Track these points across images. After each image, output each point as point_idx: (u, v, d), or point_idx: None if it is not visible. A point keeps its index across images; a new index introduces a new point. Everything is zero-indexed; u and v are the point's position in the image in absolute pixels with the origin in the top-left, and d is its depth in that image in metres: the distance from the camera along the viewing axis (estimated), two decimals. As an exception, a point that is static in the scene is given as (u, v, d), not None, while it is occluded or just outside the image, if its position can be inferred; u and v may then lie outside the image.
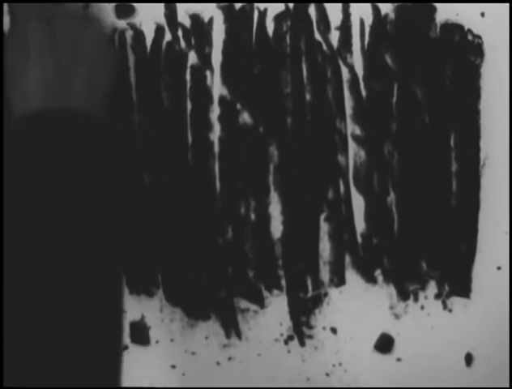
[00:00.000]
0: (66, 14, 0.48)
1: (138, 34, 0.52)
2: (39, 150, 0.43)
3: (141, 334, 0.54)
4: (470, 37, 0.53)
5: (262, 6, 0.52)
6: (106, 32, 0.51)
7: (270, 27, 0.52)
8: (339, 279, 0.54)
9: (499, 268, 0.54)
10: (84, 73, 0.45)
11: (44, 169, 0.42)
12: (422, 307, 0.55)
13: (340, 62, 0.53)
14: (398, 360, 0.55)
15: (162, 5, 0.52)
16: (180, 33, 0.52)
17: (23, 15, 0.47)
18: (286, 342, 0.55)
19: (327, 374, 0.55)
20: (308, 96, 0.53)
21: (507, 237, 0.54)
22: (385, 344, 0.54)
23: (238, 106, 0.52)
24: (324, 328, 0.55)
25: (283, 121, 0.53)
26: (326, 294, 0.54)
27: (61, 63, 0.45)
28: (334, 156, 0.53)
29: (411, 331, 0.55)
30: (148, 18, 0.52)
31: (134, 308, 0.54)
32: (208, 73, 0.52)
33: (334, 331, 0.54)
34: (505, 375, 0.54)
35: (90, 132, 0.44)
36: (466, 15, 0.52)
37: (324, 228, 0.54)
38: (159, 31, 0.52)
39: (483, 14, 0.52)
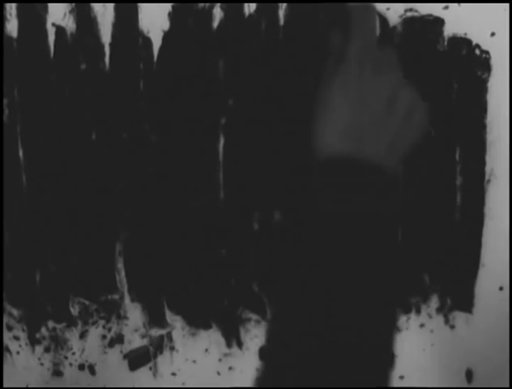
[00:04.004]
0: (391, 63, 0.47)
1: (146, 41, 0.52)
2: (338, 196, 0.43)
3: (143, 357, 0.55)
4: (477, 51, 0.52)
5: (270, 12, 0.52)
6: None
7: (278, 37, 0.52)
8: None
9: (501, 289, 0.54)
10: (394, 126, 0.45)
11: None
12: (423, 324, 0.54)
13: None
14: (401, 377, 0.55)
15: (169, 11, 0.52)
16: (187, 40, 0.52)
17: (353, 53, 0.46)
18: (287, 353, 0.55)
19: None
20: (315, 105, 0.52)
21: (508, 253, 0.54)
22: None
23: (243, 114, 0.52)
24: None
25: (289, 132, 0.52)
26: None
27: (374, 108, 0.45)
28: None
29: (412, 345, 0.54)
30: (155, 25, 0.52)
31: (135, 316, 0.54)
32: (215, 81, 0.52)
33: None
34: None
35: (382, 188, 0.44)
36: (474, 31, 0.52)
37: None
38: (166, 38, 0.52)
39: (493, 34, 0.52)
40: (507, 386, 0.54)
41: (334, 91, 0.45)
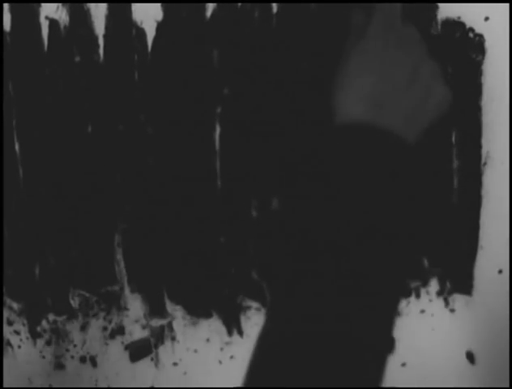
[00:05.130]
0: (415, 39, 0.47)
1: (140, 32, 0.52)
2: (349, 162, 0.43)
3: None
4: (471, 34, 0.52)
5: (262, 5, 0.52)
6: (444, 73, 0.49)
7: (271, 25, 0.52)
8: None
9: (500, 272, 0.54)
10: (414, 99, 0.45)
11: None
12: (423, 311, 0.55)
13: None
14: (403, 365, 0.55)
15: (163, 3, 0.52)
16: (180, 30, 0.52)
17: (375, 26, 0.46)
18: (288, 340, 0.55)
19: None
20: (310, 93, 0.53)
21: (507, 234, 0.54)
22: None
23: (239, 103, 0.52)
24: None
25: (284, 120, 0.52)
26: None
27: (395, 80, 0.45)
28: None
29: (412, 329, 0.55)
30: (149, 16, 0.52)
31: (135, 307, 0.54)
32: (210, 70, 0.52)
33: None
34: (505, 375, 0.54)
35: (399, 157, 0.44)
36: (468, 15, 0.52)
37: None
38: (159, 28, 0.52)
39: (487, 18, 0.52)
40: (507, 385, 0.54)
41: (355, 61, 0.45)
